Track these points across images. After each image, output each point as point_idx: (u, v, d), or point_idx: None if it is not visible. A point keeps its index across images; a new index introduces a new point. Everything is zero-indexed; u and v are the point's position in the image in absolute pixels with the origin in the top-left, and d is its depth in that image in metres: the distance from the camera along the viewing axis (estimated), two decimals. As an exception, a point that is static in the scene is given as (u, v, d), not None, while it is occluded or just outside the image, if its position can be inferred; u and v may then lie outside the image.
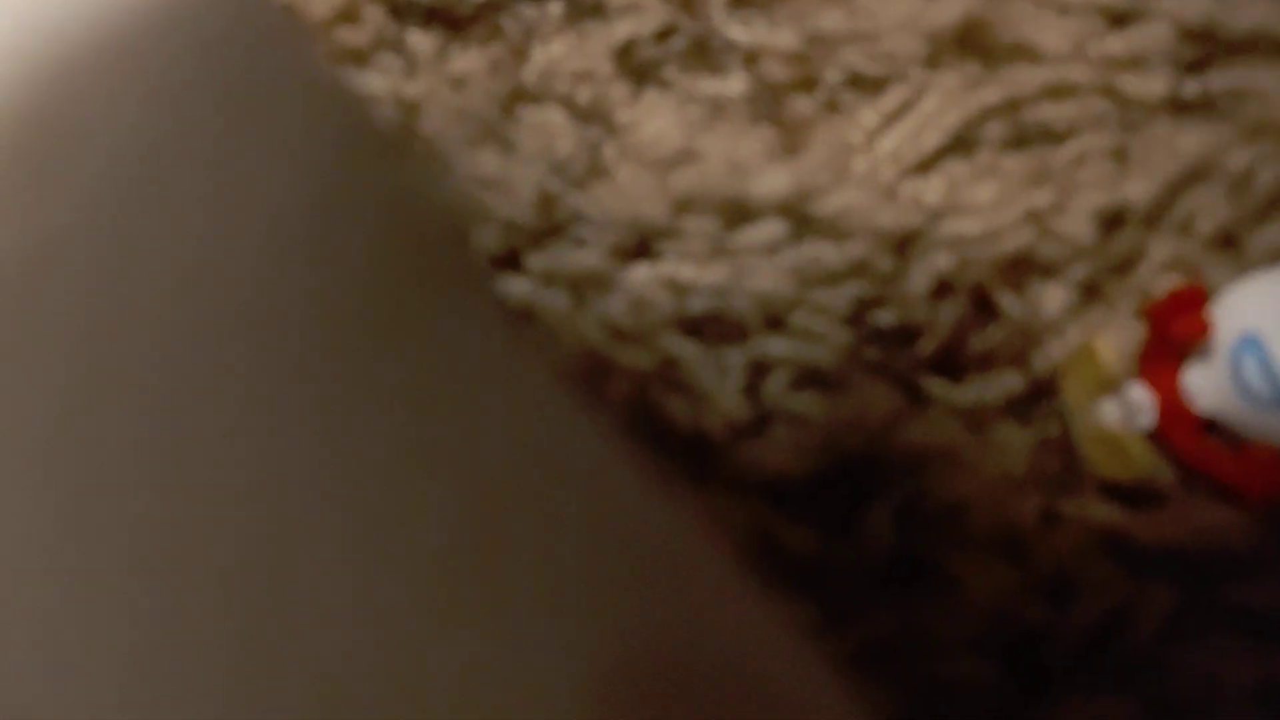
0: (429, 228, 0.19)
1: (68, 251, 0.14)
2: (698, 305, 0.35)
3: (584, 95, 0.38)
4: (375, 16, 0.38)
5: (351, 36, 0.38)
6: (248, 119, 0.17)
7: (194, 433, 0.14)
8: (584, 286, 0.36)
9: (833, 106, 0.37)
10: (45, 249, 0.14)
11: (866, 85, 0.37)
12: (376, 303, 0.16)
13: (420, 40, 0.38)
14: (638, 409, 0.34)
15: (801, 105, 0.37)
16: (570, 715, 0.15)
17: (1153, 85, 0.35)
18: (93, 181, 0.15)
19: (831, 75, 0.37)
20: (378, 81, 0.37)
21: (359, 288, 0.16)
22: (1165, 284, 0.35)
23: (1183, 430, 0.33)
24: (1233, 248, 0.34)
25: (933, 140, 0.36)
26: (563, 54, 0.38)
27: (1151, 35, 0.35)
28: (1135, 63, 0.35)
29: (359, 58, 0.38)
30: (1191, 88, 0.36)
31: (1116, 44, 0.36)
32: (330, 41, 0.38)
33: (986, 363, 0.35)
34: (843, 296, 0.35)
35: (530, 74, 0.38)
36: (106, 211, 0.15)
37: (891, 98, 0.36)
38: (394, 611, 0.14)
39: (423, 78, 0.38)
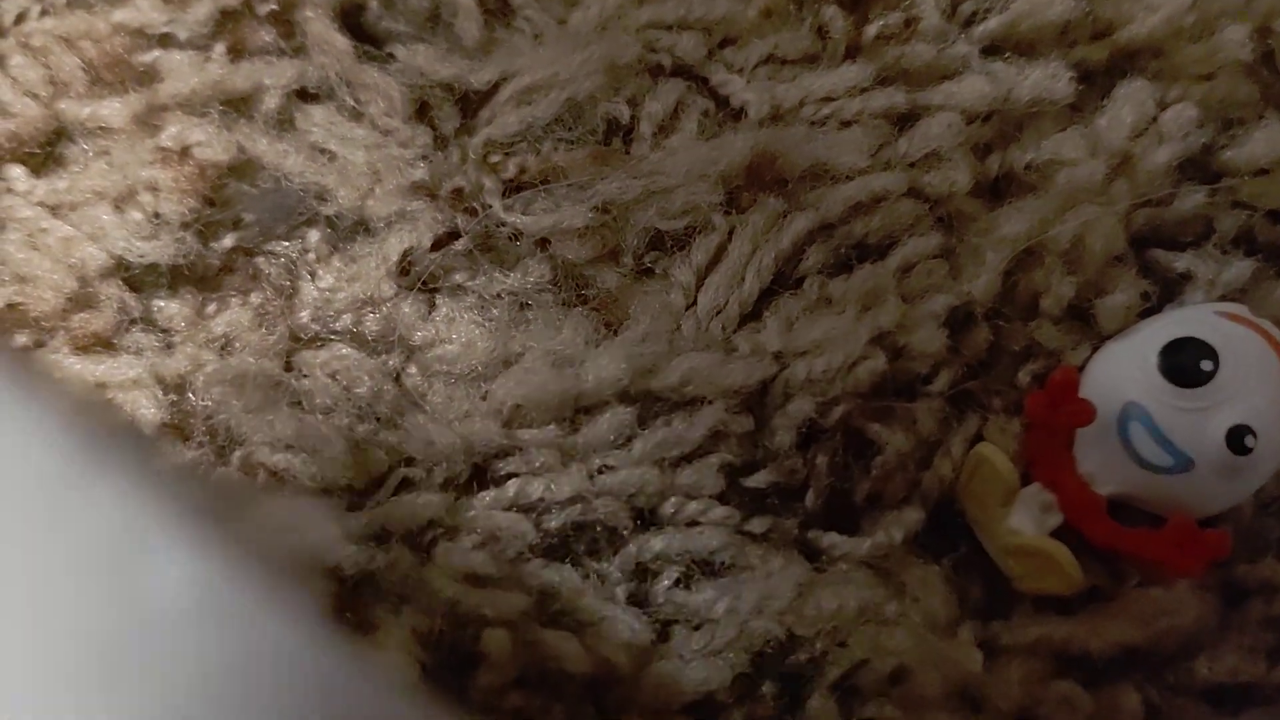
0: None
1: None
2: (558, 522, 0.33)
3: (371, 324, 0.36)
4: (113, 294, 0.35)
5: (91, 323, 0.35)
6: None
7: None
8: (425, 537, 0.33)
9: (643, 272, 0.36)
10: None
11: (672, 243, 0.36)
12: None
13: (170, 308, 0.36)
14: (523, 659, 0.31)
15: (610, 278, 0.36)
16: None
17: (957, 176, 0.36)
18: None
19: (633, 240, 0.36)
20: (132, 366, 0.34)
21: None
22: (1030, 372, 0.34)
23: (1095, 519, 0.33)
24: (1083, 320, 0.35)
25: (755, 284, 0.35)
26: (336, 284, 0.36)
27: (941, 128, 0.36)
28: (933, 158, 0.36)
29: (106, 344, 0.35)
30: (995, 169, 0.36)
31: (910, 144, 0.36)
32: (69, 333, 0.35)
33: (879, 502, 0.34)
34: (710, 470, 0.34)
35: (304, 315, 0.36)
36: None
37: (701, 250, 0.35)
38: None
39: (183, 349, 0.35)
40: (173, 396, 0.34)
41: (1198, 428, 0.32)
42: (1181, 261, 0.36)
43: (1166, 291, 0.36)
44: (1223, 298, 0.35)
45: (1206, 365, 0.32)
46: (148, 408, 0.34)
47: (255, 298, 0.36)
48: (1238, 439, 0.31)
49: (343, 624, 0.29)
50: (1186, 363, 0.32)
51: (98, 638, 0.12)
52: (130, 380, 0.34)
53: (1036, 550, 0.32)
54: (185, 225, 0.36)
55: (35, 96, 0.38)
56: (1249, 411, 0.31)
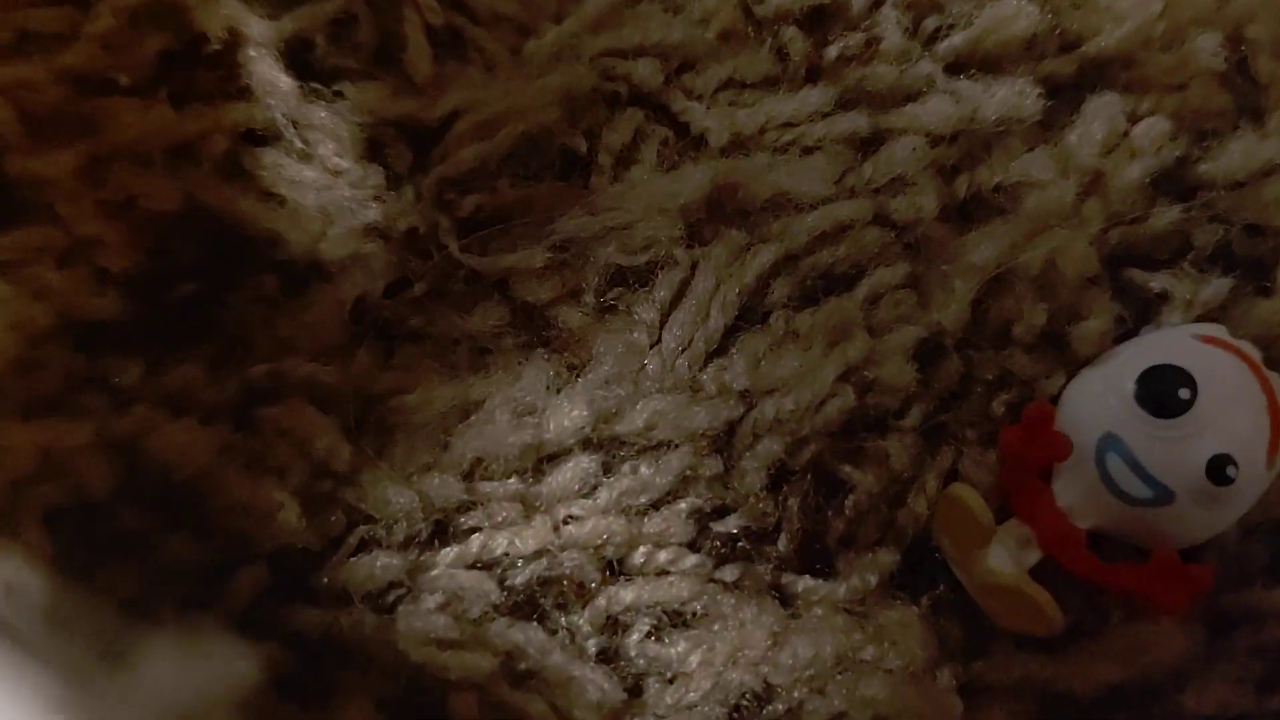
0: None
1: None
2: (523, 579, 0.32)
3: (328, 373, 0.35)
4: (60, 356, 0.34)
5: (39, 385, 0.34)
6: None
7: None
8: (387, 597, 0.32)
9: (606, 309, 0.35)
10: None
11: (634, 279, 0.35)
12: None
13: (121, 366, 0.34)
14: (491, 722, 0.30)
15: (572, 318, 0.35)
16: None
17: (923, 201, 0.35)
18: None
19: (594, 278, 0.35)
20: (82, 430, 0.33)
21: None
22: (1005, 402, 0.34)
23: (1075, 553, 0.32)
24: (1058, 346, 0.34)
25: (720, 320, 0.34)
26: (292, 332, 0.35)
27: (905, 151, 0.35)
28: (899, 183, 0.35)
29: (54, 407, 0.34)
30: (963, 192, 0.35)
31: (874, 170, 0.35)
32: (16, 398, 0.34)
33: (853, 543, 0.33)
34: (679, 517, 0.33)
35: (259, 369, 0.35)
36: None
37: (664, 286, 0.34)
38: None
39: (135, 408, 0.34)
40: (125, 459, 0.33)
41: (1177, 458, 0.31)
42: (1158, 281, 0.35)
43: (1143, 311, 0.35)
44: (1200, 317, 0.34)
45: (1184, 393, 0.31)
46: (99, 472, 0.33)
47: (209, 350, 0.35)
48: (1218, 469, 0.30)
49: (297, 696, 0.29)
50: (1164, 391, 0.31)
51: None
52: (80, 445, 0.33)
53: (1016, 592, 0.31)
54: (133, 279, 0.35)
55: (-27, 151, 0.37)
56: (1229, 440, 0.31)
